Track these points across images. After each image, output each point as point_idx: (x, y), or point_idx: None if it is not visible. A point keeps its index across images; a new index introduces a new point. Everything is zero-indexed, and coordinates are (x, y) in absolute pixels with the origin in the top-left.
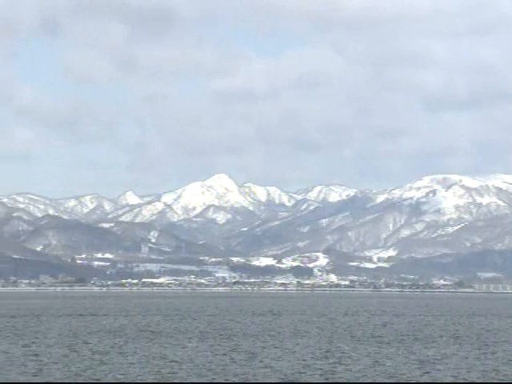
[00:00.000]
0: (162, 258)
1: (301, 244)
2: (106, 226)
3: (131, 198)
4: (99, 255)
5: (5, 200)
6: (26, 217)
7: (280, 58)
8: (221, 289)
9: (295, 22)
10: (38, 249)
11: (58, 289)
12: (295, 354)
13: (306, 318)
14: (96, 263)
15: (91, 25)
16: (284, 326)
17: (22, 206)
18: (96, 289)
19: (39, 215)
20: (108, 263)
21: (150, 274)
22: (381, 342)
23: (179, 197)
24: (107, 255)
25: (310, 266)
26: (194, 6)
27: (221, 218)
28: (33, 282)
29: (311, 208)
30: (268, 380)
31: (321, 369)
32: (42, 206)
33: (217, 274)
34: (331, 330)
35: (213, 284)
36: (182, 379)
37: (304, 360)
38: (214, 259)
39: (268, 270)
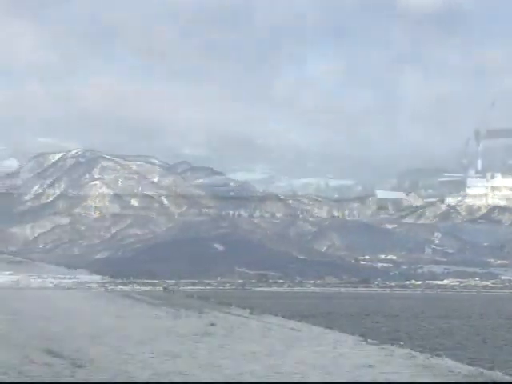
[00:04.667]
0: (445, 259)
1: None
2: (389, 227)
3: (414, 200)
4: (382, 256)
5: (290, 201)
6: (310, 218)
7: None
8: (507, 291)
9: None
10: (322, 249)
11: (342, 289)
12: None
13: None
14: (379, 264)
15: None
16: None
17: (307, 207)
18: (379, 290)
19: (323, 216)
20: (391, 264)
21: (434, 276)
22: None
23: (463, 198)
24: (390, 256)
25: None
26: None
27: (506, 219)
28: (318, 282)
29: None
30: None
31: None
32: (325, 207)
33: (503, 277)
34: None
35: (499, 286)
36: None
37: None
38: (499, 261)
39: None
